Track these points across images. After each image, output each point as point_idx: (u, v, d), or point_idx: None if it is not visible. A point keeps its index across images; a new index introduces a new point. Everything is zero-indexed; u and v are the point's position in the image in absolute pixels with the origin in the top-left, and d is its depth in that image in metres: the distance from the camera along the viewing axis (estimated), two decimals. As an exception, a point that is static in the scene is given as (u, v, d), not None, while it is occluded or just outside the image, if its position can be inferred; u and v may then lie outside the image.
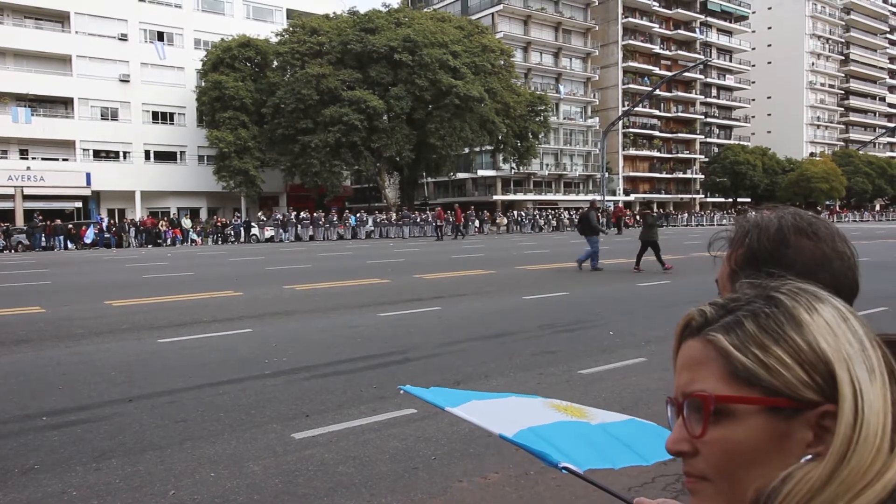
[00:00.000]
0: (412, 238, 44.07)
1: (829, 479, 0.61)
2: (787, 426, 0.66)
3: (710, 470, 0.70)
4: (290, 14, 55.15)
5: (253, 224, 43.86)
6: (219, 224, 43.32)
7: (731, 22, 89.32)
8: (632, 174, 77.57)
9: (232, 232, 42.48)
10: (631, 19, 76.18)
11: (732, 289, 1.12)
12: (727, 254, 1.12)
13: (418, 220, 47.79)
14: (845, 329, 0.67)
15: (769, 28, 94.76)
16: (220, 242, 41.76)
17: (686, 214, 69.71)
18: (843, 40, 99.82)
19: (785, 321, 0.68)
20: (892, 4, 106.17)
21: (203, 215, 50.53)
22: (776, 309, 0.69)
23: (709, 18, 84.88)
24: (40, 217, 39.73)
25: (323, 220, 44.64)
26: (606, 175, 62.65)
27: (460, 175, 63.45)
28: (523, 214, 55.21)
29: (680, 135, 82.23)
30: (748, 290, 0.73)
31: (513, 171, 62.66)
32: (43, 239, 37.55)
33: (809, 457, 0.65)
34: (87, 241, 38.65)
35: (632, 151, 77.04)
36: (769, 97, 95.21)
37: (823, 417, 0.65)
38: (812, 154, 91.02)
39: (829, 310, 0.69)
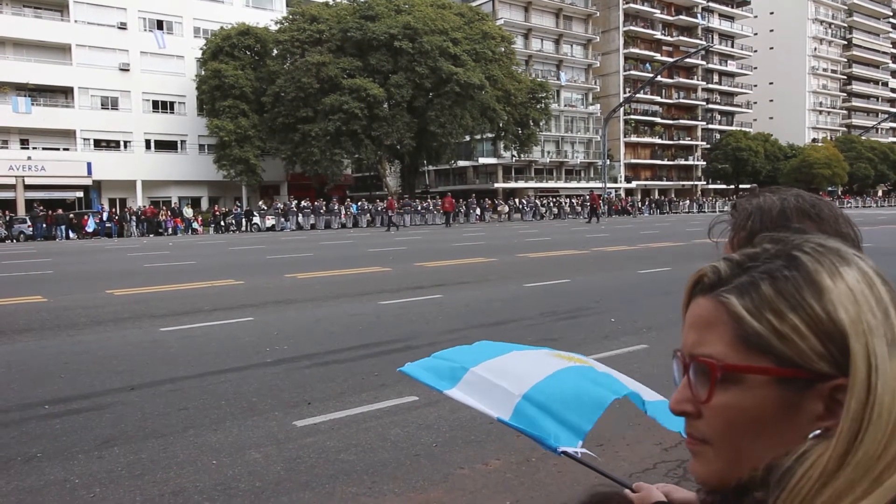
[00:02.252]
0: (413, 226, 44.05)
1: (842, 463, 0.57)
2: (798, 397, 0.63)
3: (712, 434, 0.67)
4: (290, 1, 54.84)
5: (254, 213, 43.83)
6: (216, 213, 43.23)
7: (732, 7, 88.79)
8: (633, 161, 77.37)
9: (233, 221, 42.49)
10: (632, 5, 75.72)
11: None
12: (729, 237, 1.11)
13: (419, 207, 47.84)
14: (868, 296, 0.62)
15: (771, 13, 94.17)
16: (221, 231, 41.77)
17: (688, 201, 69.60)
18: (845, 25, 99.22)
19: (804, 285, 0.63)
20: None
21: (204, 204, 50.50)
22: (796, 272, 0.64)
23: (710, 3, 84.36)
24: (41, 207, 39.74)
25: (324, 208, 44.61)
26: (608, 162, 62.49)
27: (461, 163, 63.28)
28: (524, 202, 55.13)
29: (681, 121, 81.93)
30: (768, 246, 0.68)
31: (514, 158, 62.47)
32: (44, 228, 37.58)
33: (818, 431, 0.62)
34: (89, 230, 38.69)
35: (633, 138, 76.80)
36: (771, 83, 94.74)
37: (836, 391, 0.61)
38: (814, 140, 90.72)
39: (853, 274, 0.63)
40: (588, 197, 48.85)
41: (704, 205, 68.85)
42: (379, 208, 46.94)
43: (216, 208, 44.92)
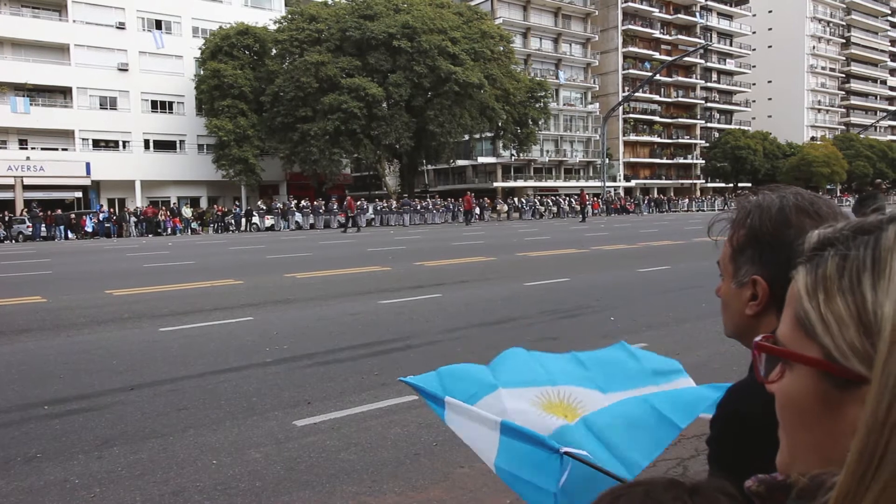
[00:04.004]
0: (413, 225, 44.05)
1: (854, 497, 0.46)
2: (839, 397, 0.53)
3: (780, 421, 0.61)
4: (289, 1, 54.79)
5: (253, 212, 43.83)
6: (219, 212, 43.21)
7: (731, 5, 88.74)
8: (632, 160, 77.33)
9: (232, 221, 42.48)
10: (631, 3, 75.62)
11: (734, 270, 1.11)
12: (729, 234, 1.11)
13: (419, 207, 47.82)
14: None
15: (770, 12, 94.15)
16: (220, 231, 41.76)
17: (687, 200, 69.61)
18: (843, 23, 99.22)
19: (869, 267, 0.52)
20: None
21: (203, 204, 50.43)
22: (871, 250, 0.53)
23: (709, 2, 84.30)
24: (39, 208, 39.71)
25: (323, 208, 44.60)
26: (607, 161, 62.51)
27: (460, 162, 63.24)
28: (524, 201, 55.13)
29: (680, 120, 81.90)
30: (883, 215, 0.57)
31: (513, 157, 62.48)
32: (43, 229, 37.56)
33: None
34: (88, 230, 38.66)
35: (632, 137, 76.76)
36: (770, 81, 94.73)
37: None
38: (813, 138, 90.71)
39: None
40: (579, 195, 48.77)
41: (703, 203, 68.95)
42: (377, 206, 46.76)
43: (217, 207, 44.92)
